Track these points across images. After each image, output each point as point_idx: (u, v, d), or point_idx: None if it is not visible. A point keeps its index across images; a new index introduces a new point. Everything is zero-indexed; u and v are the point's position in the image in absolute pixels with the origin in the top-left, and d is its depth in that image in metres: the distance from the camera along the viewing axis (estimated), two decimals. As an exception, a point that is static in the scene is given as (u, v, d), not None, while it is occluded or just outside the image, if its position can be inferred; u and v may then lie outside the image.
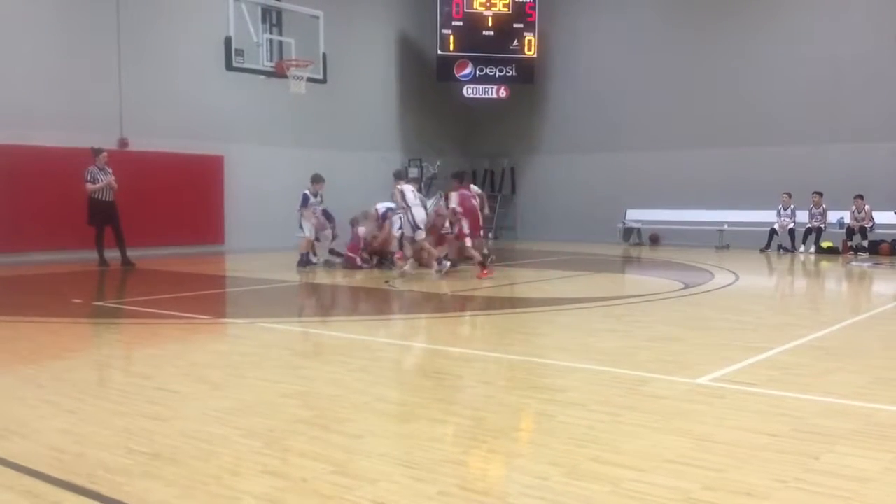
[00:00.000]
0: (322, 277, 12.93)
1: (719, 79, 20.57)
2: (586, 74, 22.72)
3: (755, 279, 13.52)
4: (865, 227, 17.49)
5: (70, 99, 15.83)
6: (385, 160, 20.54)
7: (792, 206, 18.41)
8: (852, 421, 4.52)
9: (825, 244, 17.92)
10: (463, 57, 22.69)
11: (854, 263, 15.75)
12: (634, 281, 14.08)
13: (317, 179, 14.15)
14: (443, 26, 22.47)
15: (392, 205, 13.69)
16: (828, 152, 18.89)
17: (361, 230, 13.90)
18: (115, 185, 14.21)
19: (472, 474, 3.76)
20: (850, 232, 17.71)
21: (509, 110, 23.70)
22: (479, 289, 11.25)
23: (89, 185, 13.99)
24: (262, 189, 18.70)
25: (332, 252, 14.37)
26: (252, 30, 15.44)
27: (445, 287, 11.40)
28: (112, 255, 14.26)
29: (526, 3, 22.62)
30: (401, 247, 13.25)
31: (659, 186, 21.26)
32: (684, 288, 11.56)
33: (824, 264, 15.90)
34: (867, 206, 17.49)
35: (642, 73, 21.76)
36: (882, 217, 17.57)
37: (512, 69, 22.95)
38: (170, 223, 17.24)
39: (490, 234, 24.13)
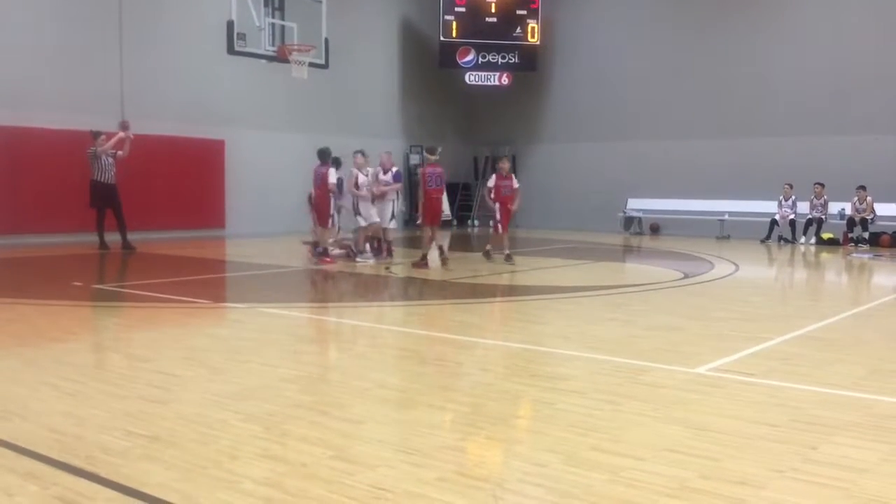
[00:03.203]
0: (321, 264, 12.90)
1: (723, 69, 20.48)
2: (589, 62, 22.64)
3: (755, 270, 13.51)
4: (866, 219, 17.47)
5: (71, 81, 15.77)
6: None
7: (793, 197, 18.39)
8: (850, 412, 4.53)
9: (826, 235, 17.91)
10: (465, 43, 22.60)
11: (854, 255, 15.74)
12: (635, 270, 14.08)
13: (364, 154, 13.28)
14: (445, 12, 22.36)
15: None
16: (830, 143, 18.83)
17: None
18: (125, 148, 14.17)
19: (471, 461, 3.77)
20: (851, 223, 17.70)
21: (511, 98, 23.63)
22: (480, 276, 11.25)
23: (99, 149, 13.90)
24: (263, 174, 18.68)
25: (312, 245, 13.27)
26: (254, 14, 15.37)
27: (446, 275, 11.40)
28: (113, 238, 14.26)
29: (529, -11, 22.53)
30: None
31: (660, 176, 21.22)
32: (684, 278, 11.56)
33: (825, 255, 15.90)
34: (869, 198, 17.47)
35: (645, 62, 21.68)
36: (883, 209, 17.56)
37: (515, 56, 22.86)
38: (170, 207, 17.23)
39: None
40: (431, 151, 12.56)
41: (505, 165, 12.91)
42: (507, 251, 12.73)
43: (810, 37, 19.33)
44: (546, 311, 8.86)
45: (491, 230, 13.25)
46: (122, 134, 14.23)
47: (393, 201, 13.44)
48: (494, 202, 12.73)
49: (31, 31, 15.32)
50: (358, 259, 12.58)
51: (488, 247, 13.21)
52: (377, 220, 12.76)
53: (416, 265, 11.95)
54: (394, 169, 13.57)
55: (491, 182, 12.87)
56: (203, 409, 4.45)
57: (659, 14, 21.65)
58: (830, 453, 3.80)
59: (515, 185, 12.81)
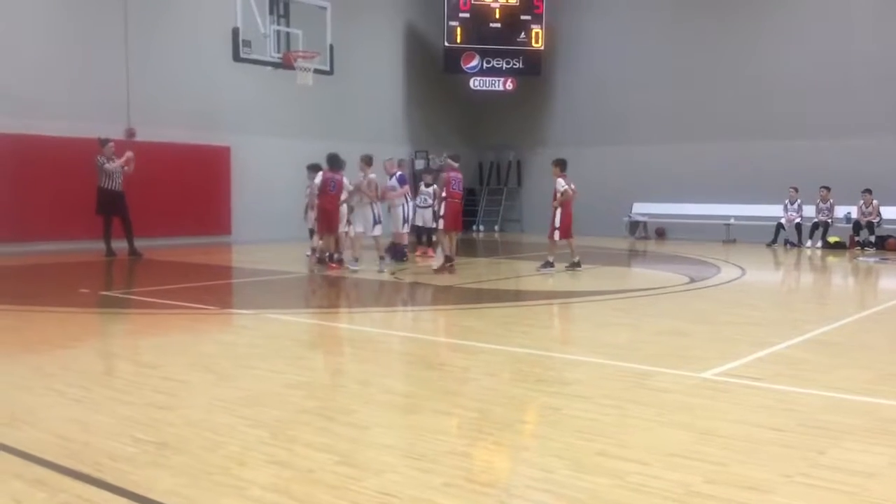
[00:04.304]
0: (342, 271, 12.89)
1: (727, 72, 20.47)
2: (593, 67, 22.64)
3: (761, 274, 13.49)
4: (873, 222, 17.43)
5: (77, 89, 15.84)
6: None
7: (799, 201, 18.36)
8: (858, 416, 4.51)
9: (832, 239, 17.86)
10: (470, 49, 22.65)
11: (861, 259, 15.70)
12: (640, 274, 14.06)
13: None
14: (450, 18, 22.42)
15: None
16: (836, 146, 18.79)
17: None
18: (130, 164, 14.19)
19: (477, 466, 3.77)
20: (857, 227, 17.65)
21: (516, 103, 23.64)
22: (485, 281, 11.25)
23: (108, 166, 13.97)
24: (269, 180, 18.71)
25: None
26: (259, 21, 15.41)
27: (452, 280, 11.39)
28: (119, 244, 14.30)
29: (533, -5, 22.57)
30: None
31: (665, 180, 21.20)
32: (690, 282, 11.54)
33: (831, 259, 15.86)
34: (875, 201, 17.43)
35: (649, 67, 21.67)
36: (890, 212, 17.51)
37: (519, 61, 22.89)
38: (177, 214, 17.27)
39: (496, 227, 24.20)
40: (455, 159, 12.73)
41: (553, 169, 12.48)
42: (550, 257, 12.47)
43: (814, 39, 19.31)
44: (551, 315, 8.86)
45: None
46: (129, 154, 14.23)
47: (403, 206, 13.43)
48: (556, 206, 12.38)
49: (38, 39, 15.39)
50: (350, 267, 12.08)
51: (551, 258, 12.48)
52: (360, 229, 12.28)
53: (441, 270, 11.75)
54: (398, 173, 13.57)
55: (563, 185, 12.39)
56: (210, 415, 4.46)
57: (662, 18, 21.65)
58: (838, 458, 3.78)
59: (558, 187, 12.26)
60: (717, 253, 16.33)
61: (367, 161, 12.35)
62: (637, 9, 22.03)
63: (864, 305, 10.10)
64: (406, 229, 13.53)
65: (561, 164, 12.50)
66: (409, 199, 13.58)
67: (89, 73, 16.06)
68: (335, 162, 12.15)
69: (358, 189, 12.13)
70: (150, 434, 4.08)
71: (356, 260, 12.18)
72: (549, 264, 12.38)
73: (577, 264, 12.41)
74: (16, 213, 14.89)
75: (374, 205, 12.25)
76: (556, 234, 12.30)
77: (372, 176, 12.23)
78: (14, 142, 14.82)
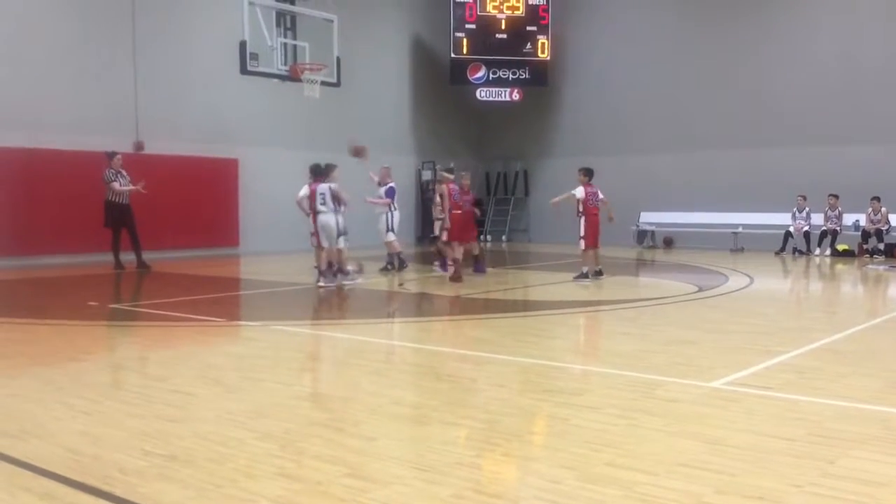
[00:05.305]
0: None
1: (734, 80, 20.47)
2: (600, 77, 22.68)
3: (770, 282, 13.44)
4: (881, 230, 17.36)
5: (85, 102, 15.94)
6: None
7: (807, 209, 18.31)
8: (868, 425, 4.49)
9: (841, 247, 17.80)
10: (476, 60, 22.71)
11: (870, 266, 15.63)
12: (648, 284, 14.03)
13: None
14: (456, 29, 22.50)
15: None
16: (844, 154, 18.74)
17: None
18: (143, 190, 14.27)
19: (486, 477, 3.76)
20: (866, 235, 17.58)
21: (522, 113, 23.68)
22: (493, 291, 11.25)
23: (115, 186, 14.09)
24: (277, 192, 18.71)
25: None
26: (266, 34, 15.51)
27: (460, 290, 11.39)
28: (127, 257, 14.35)
29: (539, 5, 22.62)
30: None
31: (673, 189, 21.17)
32: (699, 291, 11.51)
33: (840, 267, 15.80)
34: (883, 209, 17.36)
35: (656, 75, 21.69)
36: (898, 220, 17.45)
37: (525, 72, 22.95)
38: (185, 226, 17.34)
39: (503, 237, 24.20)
40: (450, 172, 13.01)
41: (580, 177, 12.75)
42: (584, 268, 12.50)
43: (823, 47, 19.30)
44: (560, 325, 8.85)
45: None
46: (141, 187, 14.28)
47: (385, 214, 13.50)
48: (578, 216, 12.59)
49: (45, 53, 15.51)
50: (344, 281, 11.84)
51: (584, 269, 12.58)
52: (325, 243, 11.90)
53: (455, 278, 11.92)
54: (391, 183, 13.69)
55: (580, 194, 12.55)
56: (219, 427, 4.46)
57: (668, 27, 21.67)
58: (849, 467, 3.76)
59: (575, 195, 12.66)
60: (725, 261, 16.29)
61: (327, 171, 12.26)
62: (643, 19, 22.06)
63: (874, 314, 10.04)
64: (392, 238, 13.58)
65: (586, 173, 12.92)
66: (391, 209, 13.68)
67: (97, 87, 16.17)
68: (319, 171, 12.14)
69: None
70: (159, 447, 4.09)
71: (349, 272, 12.03)
72: (585, 275, 12.46)
73: (586, 275, 12.45)
74: (24, 227, 14.97)
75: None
76: (582, 244, 12.48)
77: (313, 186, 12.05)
78: (23, 155, 14.92)
